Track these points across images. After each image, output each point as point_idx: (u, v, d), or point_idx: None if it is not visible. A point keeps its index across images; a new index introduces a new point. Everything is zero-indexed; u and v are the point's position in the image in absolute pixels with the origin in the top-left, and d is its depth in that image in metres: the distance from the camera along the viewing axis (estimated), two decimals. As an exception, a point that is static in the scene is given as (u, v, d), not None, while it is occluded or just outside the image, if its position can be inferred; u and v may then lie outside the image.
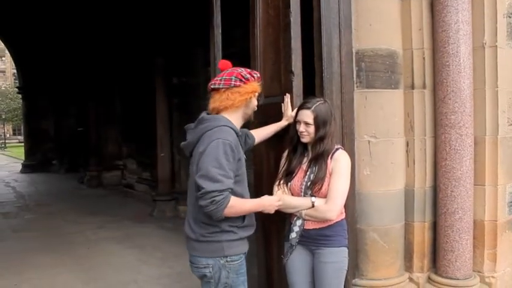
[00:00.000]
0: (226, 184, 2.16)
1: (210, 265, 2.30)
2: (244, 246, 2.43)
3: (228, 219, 2.27)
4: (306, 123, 2.52)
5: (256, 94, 2.41)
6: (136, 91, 9.99)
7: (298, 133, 2.57)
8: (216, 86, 2.36)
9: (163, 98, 8.25)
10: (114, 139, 11.95)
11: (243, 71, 2.38)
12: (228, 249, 2.32)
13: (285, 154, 2.71)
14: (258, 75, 2.45)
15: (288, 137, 2.71)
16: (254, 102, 2.44)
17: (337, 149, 2.59)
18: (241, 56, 3.31)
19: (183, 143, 2.47)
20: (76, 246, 6.15)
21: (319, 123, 2.51)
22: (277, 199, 2.49)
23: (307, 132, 2.53)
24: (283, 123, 2.85)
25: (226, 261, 2.31)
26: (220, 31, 3.55)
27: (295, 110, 2.71)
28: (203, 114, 2.40)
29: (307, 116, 2.52)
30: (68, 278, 4.88)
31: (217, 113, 2.37)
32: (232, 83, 2.33)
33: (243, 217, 2.35)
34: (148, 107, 8.73)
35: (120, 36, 9.33)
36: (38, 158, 16.46)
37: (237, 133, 2.33)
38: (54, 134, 16.32)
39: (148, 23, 7.99)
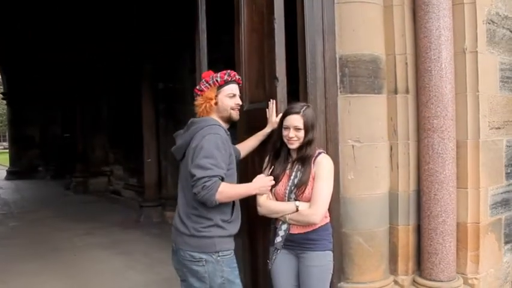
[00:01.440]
0: (216, 171, 2.34)
1: (203, 259, 2.42)
2: (233, 244, 2.56)
3: (218, 212, 2.42)
4: (296, 128, 2.54)
5: (213, 101, 2.55)
6: (123, 97, 9.97)
7: (286, 139, 2.58)
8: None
9: (150, 104, 8.24)
10: (100, 145, 11.90)
11: (202, 83, 2.59)
12: (220, 245, 2.45)
13: (267, 160, 2.73)
14: (218, 79, 2.58)
15: (270, 143, 2.73)
16: (225, 104, 2.58)
17: (319, 153, 2.62)
18: (226, 62, 3.34)
19: (174, 147, 2.61)
20: (62, 253, 6.10)
21: (308, 127, 2.56)
22: (270, 178, 2.56)
23: (296, 137, 2.55)
24: (267, 129, 2.88)
25: (219, 255, 2.44)
26: (205, 36, 3.57)
27: (279, 116, 2.74)
28: (192, 119, 2.58)
29: (296, 120, 2.54)
30: (54, 286, 4.83)
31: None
32: (195, 98, 2.62)
33: (231, 211, 2.49)
34: (135, 112, 8.72)
35: (107, 42, 9.29)
36: (23, 165, 16.28)
37: (225, 131, 2.53)
38: (39, 140, 16.17)
39: (134, 29, 7.98)
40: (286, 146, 2.62)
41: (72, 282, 4.95)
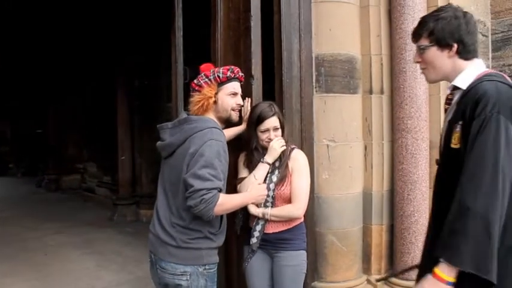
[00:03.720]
0: (215, 183, 2.13)
1: (187, 273, 2.22)
2: (217, 257, 2.39)
3: (207, 224, 2.24)
4: (275, 128, 2.54)
5: (212, 100, 2.33)
6: (98, 94, 9.83)
7: (265, 142, 2.55)
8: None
9: (125, 101, 8.14)
10: (74, 142, 11.70)
11: (201, 77, 2.36)
12: (208, 257, 2.28)
13: (241, 163, 2.69)
14: (220, 75, 2.35)
15: (247, 153, 2.64)
16: (225, 104, 2.36)
17: (292, 148, 2.63)
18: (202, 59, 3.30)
19: (160, 142, 2.38)
20: (33, 253, 5.96)
21: (283, 123, 2.58)
22: (265, 186, 2.45)
23: (276, 137, 2.55)
24: (242, 127, 2.83)
25: (205, 269, 2.27)
26: (181, 34, 3.53)
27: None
28: (185, 115, 2.36)
29: (274, 121, 2.54)
30: (23, 287, 4.71)
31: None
32: (190, 93, 2.37)
33: (220, 223, 2.33)
34: (109, 109, 8.60)
35: (82, 38, 9.13)
36: (-8, 162, 15.92)
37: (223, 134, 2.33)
38: (10, 136, 15.82)
39: (110, 26, 7.86)
40: (260, 150, 2.60)
41: (42, 283, 4.84)
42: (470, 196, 1.54)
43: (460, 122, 1.66)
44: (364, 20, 3.46)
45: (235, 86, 2.41)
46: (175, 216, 2.24)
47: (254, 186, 2.41)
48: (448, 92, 1.88)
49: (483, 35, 3.87)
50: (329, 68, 3.28)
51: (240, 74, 2.44)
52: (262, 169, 2.53)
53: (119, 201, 8.25)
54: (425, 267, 1.81)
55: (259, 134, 2.55)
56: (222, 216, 2.35)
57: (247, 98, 2.86)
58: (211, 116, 2.35)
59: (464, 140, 1.64)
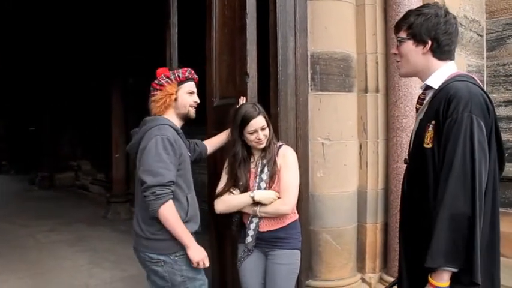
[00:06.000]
0: (167, 177, 2.31)
1: (161, 260, 2.39)
2: None
3: None
4: (263, 128, 2.53)
5: (174, 96, 2.52)
6: (92, 91, 9.78)
7: (253, 142, 2.54)
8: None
9: (119, 99, 8.13)
10: (68, 139, 11.64)
11: (161, 78, 2.53)
12: (176, 246, 2.40)
13: (228, 171, 2.66)
14: (179, 74, 2.54)
15: (230, 156, 2.62)
16: (184, 101, 2.55)
17: (280, 145, 2.62)
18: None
19: (128, 144, 2.63)
20: (25, 251, 5.92)
21: (268, 121, 2.59)
22: (206, 258, 2.45)
23: (265, 136, 2.54)
24: (226, 136, 2.84)
25: (176, 256, 2.40)
26: (176, 31, 3.52)
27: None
28: (144, 118, 2.56)
29: (261, 121, 2.52)
30: (16, 285, 4.68)
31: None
32: (152, 93, 2.57)
33: (186, 212, 2.44)
34: (104, 107, 8.57)
35: (78, 37, 9.09)
36: (-14, 159, 15.82)
37: (176, 130, 2.49)
38: (4, 134, 15.73)
39: (106, 25, 7.84)
40: (246, 150, 2.60)
41: (33, 280, 4.80)
42: (447, 197, 1.56)
43: (433, 122, 1.68)
44: (359, 18, 3.45)
45: (192, 86, 2.61)
46: (144, 209, 2.41)
47: (200, 250, 2.44)
48: (420, 91, 1.90)
49: (478, 35, 3.88)
50: (324, 66, 3.27)
51: (195, 75, 2.65)
52: (244, 198, 2.52)
53: (113, 199, 8.22)
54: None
55: (247, 135, 2.53)
56: (188, 206, 2.46)
57: (242, 96, 2.86)
58: (171, 113, 2.55)
59: (437, 139, 1.65)
